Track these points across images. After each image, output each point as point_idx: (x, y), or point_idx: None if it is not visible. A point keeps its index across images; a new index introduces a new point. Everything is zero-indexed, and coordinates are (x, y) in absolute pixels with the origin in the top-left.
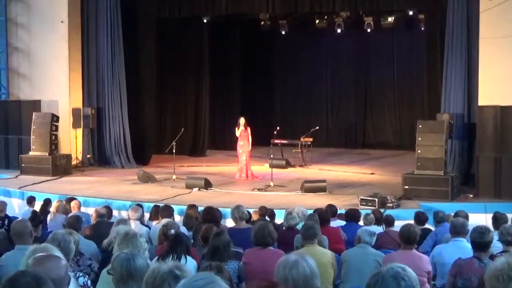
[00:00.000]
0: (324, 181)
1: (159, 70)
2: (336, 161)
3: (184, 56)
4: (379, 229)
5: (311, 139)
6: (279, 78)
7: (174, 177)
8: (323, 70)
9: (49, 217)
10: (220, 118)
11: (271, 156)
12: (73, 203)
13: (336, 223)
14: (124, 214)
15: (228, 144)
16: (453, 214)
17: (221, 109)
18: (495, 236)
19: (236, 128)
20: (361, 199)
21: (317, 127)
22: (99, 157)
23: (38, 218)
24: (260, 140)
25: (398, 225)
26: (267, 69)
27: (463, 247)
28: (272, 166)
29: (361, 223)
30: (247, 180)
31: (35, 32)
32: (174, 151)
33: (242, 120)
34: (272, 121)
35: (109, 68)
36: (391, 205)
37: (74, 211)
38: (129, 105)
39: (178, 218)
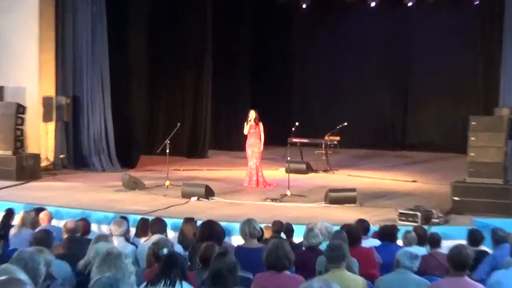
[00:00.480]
0: (353, 190)
1: (152, 53)
2: (368, 165)
3: (182, 37)
4: (422, 250)
5: (337, 138)
6: (297, 63)
7: (167, 183)
8: (353, 54)
9: (12, 231)
10: (224, 112)
11: (288, 158)
12: (42, 215)
13: (369, 242)
14: (105, 228)
15: (234, 143)
16: None
17: (226, 101)
18: None
19: (245, 124)
20: (400, 213)
21: (345, 123)
22: (75, 157)
23: None
24: (275, 139)
25: (446, 246)
26: (283, 53)
27: None
28: (289, 171)
29: (399, 243)
30: (257, 188)
31: None
32: (167, 151)
33: (252, 114)
34: (290, 115)
35: (89, 49)
36: (437, 220)
37: (43, 224)
38: (113, 95)
39: (171, 235)
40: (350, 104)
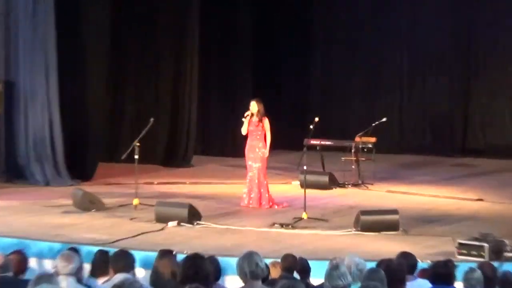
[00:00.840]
0: (395, 212)
1: (117, 31)
2: (416, 177)
3: (159, 9)
4: None
5: (373, 140)
6: (318, 41)
7: (135, 201)
8: (395, 27)
9: None
10: (217, 105)
11: (304, 167)
12: None
13: (416, 285)
14: (48, 265)
15: (229, 147)
16: None
17: (219, 91)
18: None
19: (243, 118)
20: (460, 244)
21: (384, 119)
22: (7, 165)
23: None
24: (286, 141)
25: None
26: (299, 27)
27: None
28: (305, 184)
29: (459, 286)
30: (261, 209)
31: None
32: (136, 157)
33: (254, 105)
34: (306, 109)
35: (29, 21)
36: (511, 255)
37: None
38: (62, 82)
39: (142, 273)
40: (391, 95)
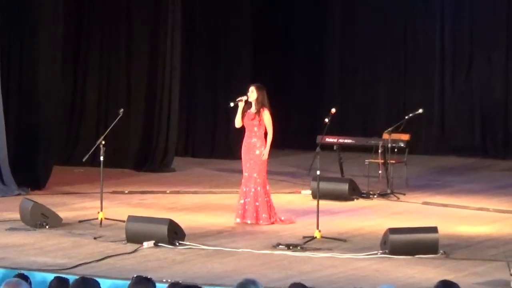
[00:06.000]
0: (433, 229)
1: (77, 4)
2: (460, 184)
3: None
4: None
5: (406, 137)
6: (335, 15)
7: (100, 216)
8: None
9: None
10: (204, 95)
11: (318, 172)
12: None
13: None
14: None
15: (220, 147)
16: None
17: (208, 77)
18: None
19: (231, 103)
20: None
21: (421, 110)
22: None
23: None
24: (294, 139)
25: None
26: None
27: None
28: (318, 194)
29: None
30: (260, 226)
31: None
32: (102, 158)
33: (252, 92)
34: (320, 100)
35: None
36: None
37: None
38: (6, 69)
39: None
40: (428, 81)
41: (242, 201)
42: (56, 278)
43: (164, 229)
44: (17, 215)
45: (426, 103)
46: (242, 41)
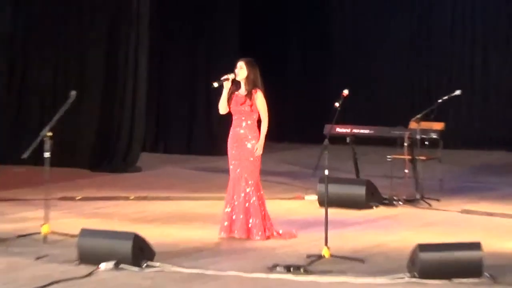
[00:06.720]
0: (476, 246)
1: None
2: (508, 187)
3: None
4: None
5: (440, 126)
6: None
7: (45, 229)
8: None
9: None
10: (179, 76)
11: (326, 172)
12: None
13: None
14: None
15: (199, 140)
16: None
17: (183, 56)
18: None
19: (215, 83)
20: None
21: (458, 92)
22: None
23: None
24: (296, 130)
25: None
26: None
27: None
28: (326, 201)
29: None
30: (250, 240)
31: None
32: (47, 155)
33: (241, 68)
34: (328, 82)
35: None
36: None
37: None
38: None
39: None
40: (466, 60)
41: (228, 210)
42: None
43: (127, 246)
44: None
45: (462, 87)
46: (228, 11)
